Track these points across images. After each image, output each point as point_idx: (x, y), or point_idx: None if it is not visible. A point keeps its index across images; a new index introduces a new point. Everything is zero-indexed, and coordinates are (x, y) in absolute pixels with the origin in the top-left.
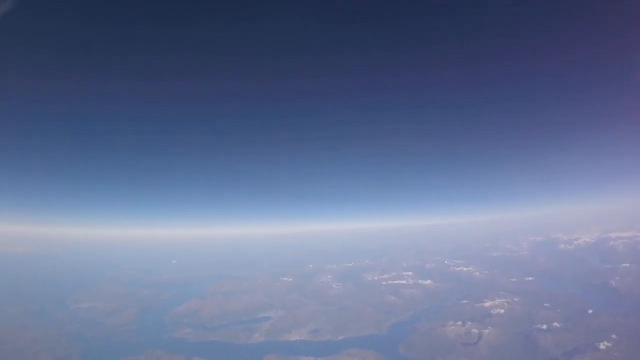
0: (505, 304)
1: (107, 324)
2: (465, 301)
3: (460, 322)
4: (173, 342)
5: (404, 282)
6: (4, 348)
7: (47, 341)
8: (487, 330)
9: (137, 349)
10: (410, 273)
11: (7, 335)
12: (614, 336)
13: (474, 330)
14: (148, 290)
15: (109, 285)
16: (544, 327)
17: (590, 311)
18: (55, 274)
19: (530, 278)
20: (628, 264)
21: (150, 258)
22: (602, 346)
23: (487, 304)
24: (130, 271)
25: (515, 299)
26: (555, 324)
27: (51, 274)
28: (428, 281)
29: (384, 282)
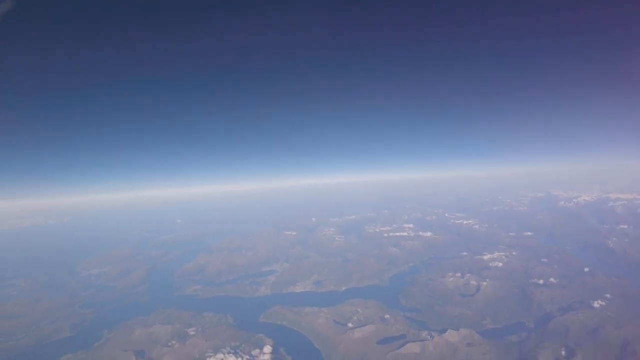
0: (504, 257)
1: (118, 286)
2: (465, 253)
3: (459, 274)
4: (183, 299)
5: (405, 234)
6: (20, 322)
7: (61, 310)
8: (485, 283)
9: (148, 309)
10: (411, 225)
11: (22, 308)
12: (608, 295)
13: (473, 282)
14: (155, 250)
15: (116, 249)
16: (541, 282)
17: (586, 269)
18: (63, 243)
19: (529, 233)
20: (626, 226)
21: (155, 219)
22: (596, 304)
23: (486, 256)
24: (137, 233)
25: (513, 253)
26: (551, 279)
27: (59, 244)
28: (428, 233)
29: (386, 234)
